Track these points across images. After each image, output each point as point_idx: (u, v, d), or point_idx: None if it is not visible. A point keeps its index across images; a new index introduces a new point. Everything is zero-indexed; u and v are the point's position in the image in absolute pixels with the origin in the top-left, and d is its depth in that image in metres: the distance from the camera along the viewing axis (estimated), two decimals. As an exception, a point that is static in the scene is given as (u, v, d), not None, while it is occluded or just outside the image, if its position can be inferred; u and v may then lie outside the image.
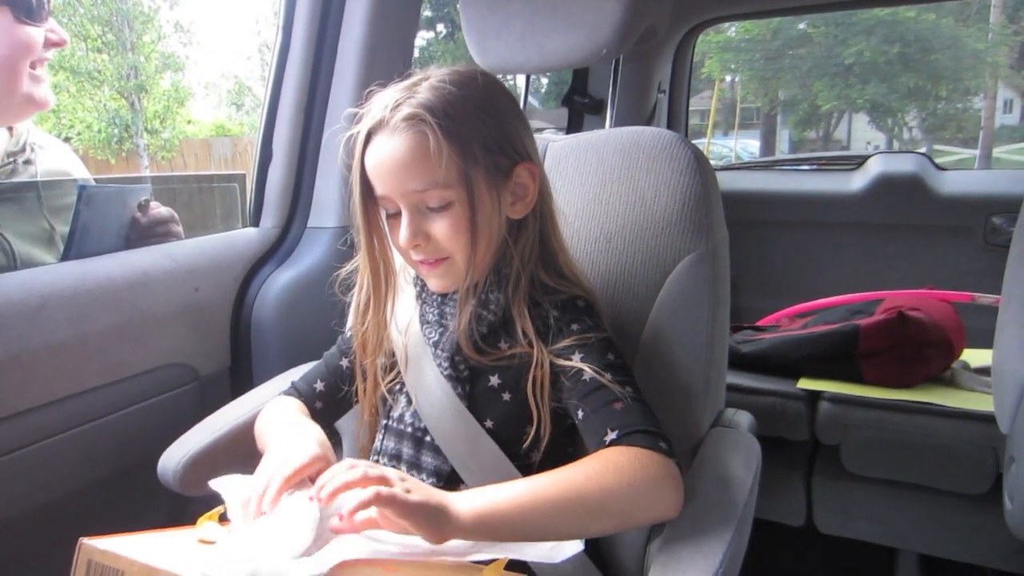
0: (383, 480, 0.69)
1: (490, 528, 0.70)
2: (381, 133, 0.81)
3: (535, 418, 0.84)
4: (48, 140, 1.25)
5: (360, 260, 0.91)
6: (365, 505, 0.67)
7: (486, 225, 0.83)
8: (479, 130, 0.82)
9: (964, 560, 1.38)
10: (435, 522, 0.68)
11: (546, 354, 0.84)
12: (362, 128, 0.83)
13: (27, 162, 1.18)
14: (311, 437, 0.86)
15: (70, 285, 1.07)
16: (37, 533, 1.04)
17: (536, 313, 0.87)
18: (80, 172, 1.29)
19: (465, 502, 0.70)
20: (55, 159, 1.24)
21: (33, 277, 1.05)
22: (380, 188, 0.83)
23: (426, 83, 0.82)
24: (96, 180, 1.27)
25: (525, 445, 0.85)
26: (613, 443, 0.77)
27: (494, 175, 0.83)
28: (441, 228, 0.83)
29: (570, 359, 0.83)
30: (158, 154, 10.17)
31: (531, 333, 0.85)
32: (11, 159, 1.15)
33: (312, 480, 0.74)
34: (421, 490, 0.70)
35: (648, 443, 0.76)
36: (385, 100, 0.82)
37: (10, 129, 1.17)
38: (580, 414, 0.81)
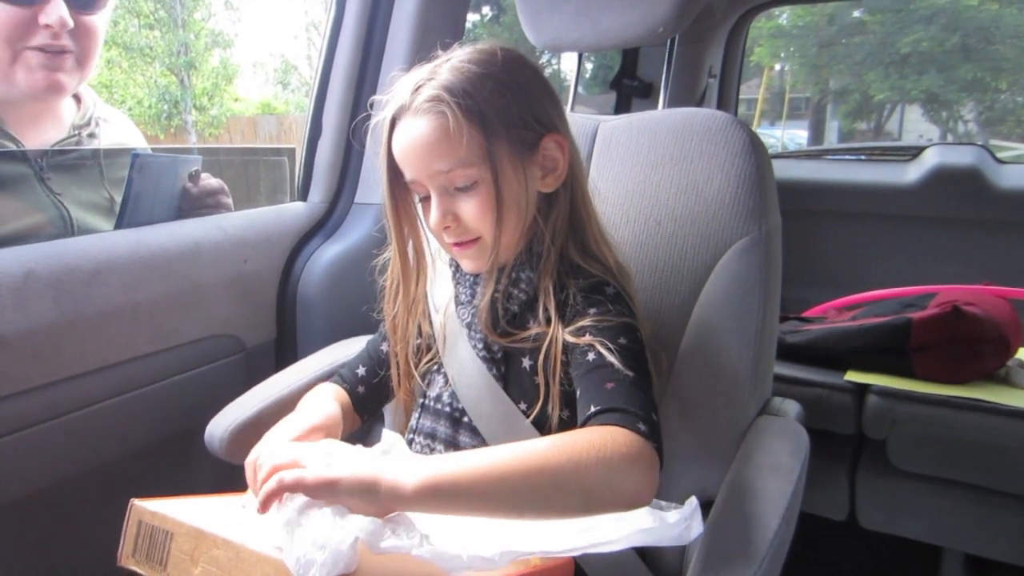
0: (295, 466, 0.67)
1: (443, 498, 0.65)
2: (405, 117, 0.81)
3: (542, 394, 0.83)
4: (113, 114, 1.27)
5: (391, 245, 0.91)
6: (273, 495, 0.65)
7: (513, 202, 0.82)
8: (499, 106, 0.80)
9: (1013, 562, 1.35)
10: (366, 495, 0.65)
11: (561, 332, 0.82)
12: (387, 113, 0.83)
13: (91, 135, 1.20)
14: (312, 410, 0.87)
15: (125, 253, 1.09)
16: (90, 494, 1.07)
17: (560, 294, 0.85)
18: (141, 147, 1.31)
19: (412, 470, 0.65)
20: (118, 133, 1.26)
21: (90, 244, 1.07)
22: (408, 172, 0.83)
23: (447, 64, 0.82)
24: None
25: (530, 420, 0.84)
26: (588, 419, 0.73)
27: (519, 150, 0.82)
28: (469, 208, 0.82)
29: (581, 339, 0.80)
30: (205, 130, 10.33)
31: (552, 310, 0.84)
32: (76, 131, 1.18)
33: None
34: (349, 464, 0.67)
35: (624, 422, 0.70)
36: (407, 84, 0.82)
37: (78, 102, 1.19)
38: (578, 394, 0.79)
